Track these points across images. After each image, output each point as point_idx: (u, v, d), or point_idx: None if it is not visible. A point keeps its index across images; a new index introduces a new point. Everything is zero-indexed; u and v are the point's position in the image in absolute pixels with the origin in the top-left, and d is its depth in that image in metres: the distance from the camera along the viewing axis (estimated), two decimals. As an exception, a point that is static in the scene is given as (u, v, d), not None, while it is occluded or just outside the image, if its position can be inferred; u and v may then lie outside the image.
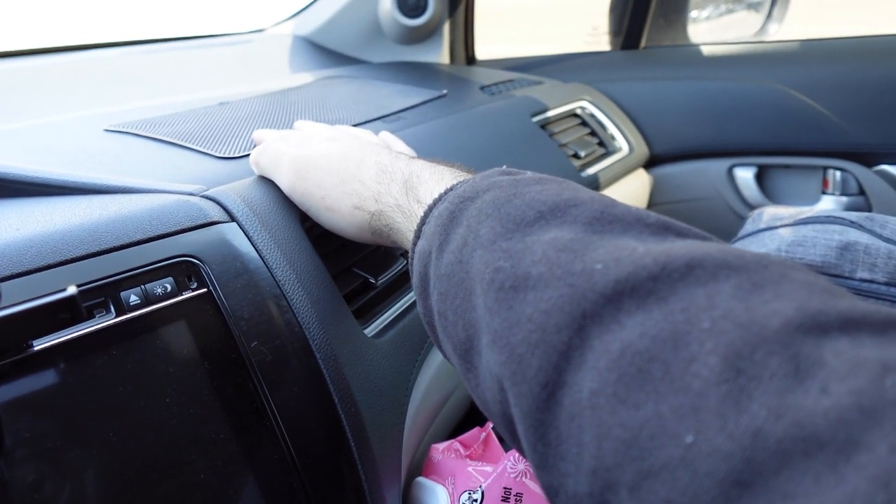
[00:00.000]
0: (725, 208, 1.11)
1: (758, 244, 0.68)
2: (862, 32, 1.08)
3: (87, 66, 0.93)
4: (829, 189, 1.04)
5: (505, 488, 0.44)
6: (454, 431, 0.62)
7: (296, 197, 0.46)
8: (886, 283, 0.59)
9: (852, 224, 0.63)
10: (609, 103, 1.09)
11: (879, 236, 0.61)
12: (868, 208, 1.01)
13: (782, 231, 0.67)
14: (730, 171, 1.09)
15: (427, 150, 0.64)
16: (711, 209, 1.12)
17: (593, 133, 1.00)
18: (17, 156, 0.52)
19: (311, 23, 1.21)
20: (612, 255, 0.25)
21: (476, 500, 0.44)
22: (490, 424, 0.53)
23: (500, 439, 0.53)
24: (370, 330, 0.47)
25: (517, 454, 0.45)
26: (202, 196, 0.45)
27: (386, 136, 0.57)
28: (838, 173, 1.02)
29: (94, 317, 0.34)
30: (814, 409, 0.17)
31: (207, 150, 0.56)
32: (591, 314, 0.23)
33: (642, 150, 1.07)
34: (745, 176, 1.08)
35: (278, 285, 0.41)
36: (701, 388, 0.19)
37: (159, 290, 0.37)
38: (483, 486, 0.45)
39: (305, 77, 0.96)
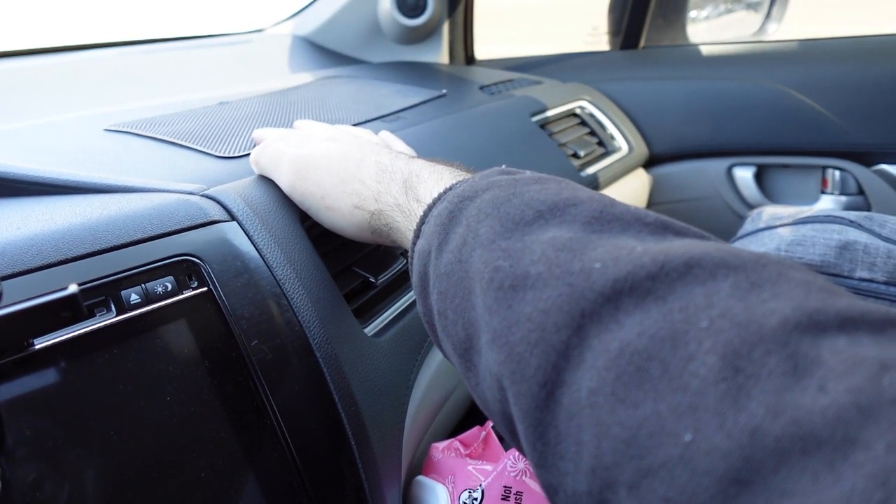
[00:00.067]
0: (725, 208, 1.11)
1: (757, 243, 0.68)
2: (861, 32, 1.08)
3: (87, 66, 0.93)
4: (829, 188, 1.04)
5: (505, 487, 0.44)
6: (454, 430, 0.62)
7: (296, 196, 0.46)
8: (885, 283, 0.59)
9: (851, 223, 0.63)
10: (608, 103, 1.09)
11: (878, 235, 0.61)
12: (867, 208, 1.02)
13: (781, 230, 0.67)
14: (729, 170, 1.09)
15: (427, 150, 0.64)
16: (711, 209, 1.12)
17: (593, 133, 1.00)
18: (18, 155, 0.52)
19: (310, 23, 1.21)
20: (610, 254, 0.25)
21: (476, 499, 0.44)
22: (490, 423, 0.53)
23: (500, 438, 0.53)
24: (370, 329, 0.47)
25: (517, 453, 0.45)
26: (202, 195, 0.45)
27: (386, 135, 0.57)
28: (837, 173, 1.02)
29: (95, 316, 0.34)
30: (812, 408, 0.17)
31: (207, 149, 0.56)
32: (589, 313, 0.23)
33: (641, 150, 1.07)
34: (745, 175, 1.08)
35: (278, 284, 0.41)
36: (699, 387, 0.19)
37: (160, 289, 0.37)
38: (483, 484, 0.45)
39: (305, 77, 0.96)
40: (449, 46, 1.22)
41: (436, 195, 0.36)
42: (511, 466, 0.45)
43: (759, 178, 1.08)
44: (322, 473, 0.39)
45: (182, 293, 0.37)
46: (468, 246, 0.30)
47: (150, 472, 0.33)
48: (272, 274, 0.41)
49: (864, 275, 0.60)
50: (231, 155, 0.56)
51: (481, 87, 0.97)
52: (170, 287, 0.37)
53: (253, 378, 0.38)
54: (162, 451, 0.33)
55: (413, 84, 0.94)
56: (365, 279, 0.49)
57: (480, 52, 1.28)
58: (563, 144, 0.89)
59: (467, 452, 0.52)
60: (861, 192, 1.02)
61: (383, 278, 0.50)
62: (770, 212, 0.73)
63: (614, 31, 1.26)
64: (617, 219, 0.27)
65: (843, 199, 1.03)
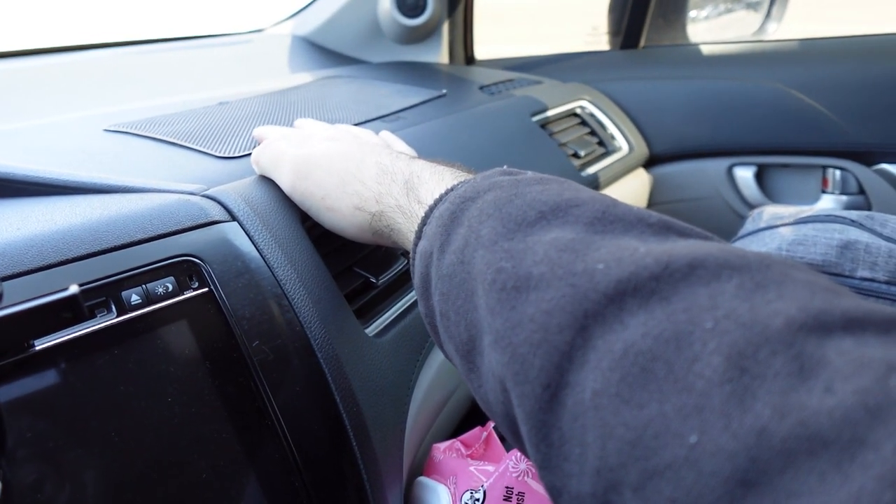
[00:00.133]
0: (725, 208, 1.11)
1: (758, 243, 0.68)
2: (861, 32, 1.08)
3: (88, 67, 0.93)
4: (829, 188, 1.04)
5: (507, 487, 0.44)
6: (455, 431, 0.62)
7: (296, 197, 0.46)
8: (887, 282, 0.59)
9: (852, 223, 0.63)
10: (608, 103, 1.09)
11: (880, 235, 0.61)
12: (868, 207, 1.02)
13: (782, 230, 0.67)
14: (729, 170, 1.09)
15: (427, 150, 0.64)
16: (711, 208, 1.12)
17: (593, 132, 1.00)
18: (18, 156, 0.52)
19: (310, 23, 1.21)
20: (613, 254, 0.25)
21: (478, 500, 0.44)
22: (491, 424, 0.53)
23: (502, 439, 0.53)
24: (371, 329, 0.47)
25: (518, 453, 0.45)
26: (203, 195, 0.45)
27: (386, 135, 0.57)
28: (838, 172, 1.02)
29: (96, 316, 0.34)
30: (818, 409, 0.17)
31: (207, 149, 0.56)
32: (593, 314, 0.23)
33: (642, 150, 1.07)
34: (745, 175, 1.08)
35: (279, 285, 0.41)
36: (704, 388, 0.19)
37: (160, 290, 0.37)
38: (485, 485, 0.45)
39: (305, 77, 0.96)
40: (449, 46, 1.22)
41: (437, 196, 0.36)
42: (513, 467, 0.45)
43: (760, 177, 1.08)
44: (323, 474, 0.38)
45: (183, 294, 0.37)
46: (470, 247, 0.30)
47: (151, 473, 0.33)
48: (273, 274, 0.41)
49: (866, 274, 0.60)
50: (231, 155, 0.56)
51: (481, 87, 0.97)
52: (171, 287, 0.37)
53: (254, 379, 0.37)
54: (163, 452, 0.33)
55: (413, 84, 0.93)
56: (366, 279, 0.49)
57: (480, 52, 1.28)
58: (564, 144, 0.89)
59: (469, 453, 0.52)
60: (862, 191, 1.02)
61: (384, 279, 0.50)
62: (771, 211, 0.72)
63: (614, 30, 1.26)
64: (619, 219, 0.27)
65: (844, 198, 1.03)
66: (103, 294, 0.35)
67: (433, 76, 1.06)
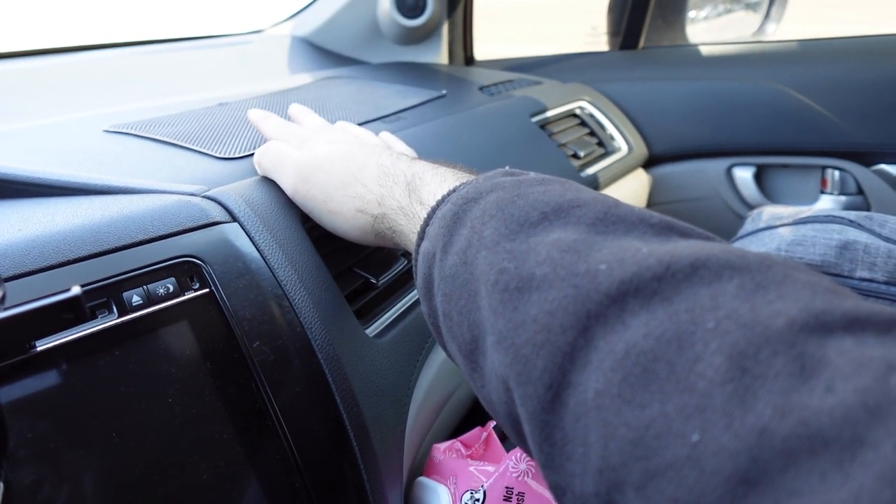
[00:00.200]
0: (724, 208, 1.11)
1: (757, 243, 0.68)
2: (861, 32, 1.08)
3: (88, 67, 0.93)
4: (828, 188, 1.04)
5: (507, 488, 0.44)
6: (455, 431, 0.62)
7: (298, 199, 0.46)
8: (886, 282, 0.59)
9: (851, 223, 0.63)
10: (608, 103, 1.09)
11: (879, 235, 0.61)
12: (867, 207, 1.02)
13: (782, 230, 0.67)
14: (729, 170, 1.09)
15: (427, 151, 0.64)
16: (710, 209, 1.12)
17: (592, 133, 1.00)
18: (18, 156, 0.52)
19: (309, 23, 1.21)
20: (615, 255, 0.25)
21: (478, 500, 0.44)
22: (491, 424, 0.53)
23: (502, 439, 0.53)
24: (371, 330, 0.47)
25: (519, 454, 0.45)
26: (203, 196, 0.45)
27: (386, 136, 0.57)
28: (837, 173, 1.03)
29: (97, 317, 0.34)
30: (819, 408, 0.17)
31: (208, 150, 0.56)
32: (595, 315, 0.23)
33: (641, 150, 1.07)
34: (744, 175, 1.08)
35: (280, 285, 0.41)
36: (706, 388, 0.19)
37: (161, 291, 0.37)
38: (485, 485, 0.45)
39: (304, 78, 0.96)
40: (448, 47, 1.22)
41: (439, 197, 0.36)
42: (513, 467, 0.45)
43: (759, 178, 1.08)
44: (324, 474, 0.38)
45: (184, 294, 0.37)
46: (473, 248, 0.30)
47: (152, 473, 0.33)
48: (274, 275, 0.41)
49: (865, 275, 0.60)
50: (231, 156, 0.56)
51: (481, 88, 0.97)
52: (171, 288, 0.37)
53: (255, 379, 0.37)
54: (163, 453, 0.33)
55: (413, 85, 0.93)
56: (366, 280, 0.49)
57: (480, 53, 1.28)
58: (563, 145, 0.89)
59: (469, 453, 0.52)
60: (861, 191, 1.02)
61: (384, 279, 0.50)
62: (770, 212, 0.73)
63: (614, 31, 1.26)
64: (621, 220, 0.27)
65: (843, 198, 1.03)
66: (104, 295, 0.35)
67: (433, 77, 1.06)
